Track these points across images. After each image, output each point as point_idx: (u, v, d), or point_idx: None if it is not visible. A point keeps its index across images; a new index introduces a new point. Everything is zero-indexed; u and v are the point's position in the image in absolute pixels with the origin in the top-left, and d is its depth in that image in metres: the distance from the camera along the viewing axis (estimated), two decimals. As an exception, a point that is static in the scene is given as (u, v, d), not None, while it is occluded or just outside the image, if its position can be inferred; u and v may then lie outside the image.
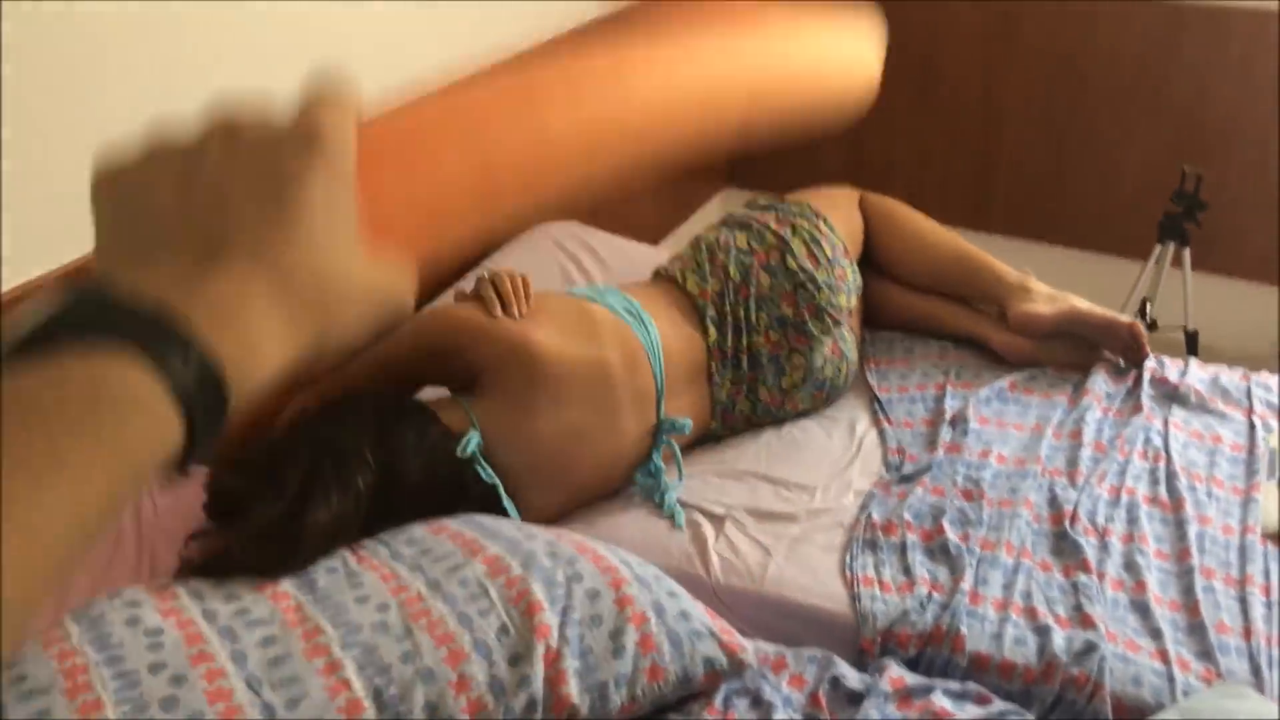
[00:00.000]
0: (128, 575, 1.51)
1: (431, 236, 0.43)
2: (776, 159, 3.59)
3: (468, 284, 2.05)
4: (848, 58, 0.62)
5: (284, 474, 1.55)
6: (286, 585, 1.43)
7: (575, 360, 1.79)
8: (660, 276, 2.14)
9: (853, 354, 2.12)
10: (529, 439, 1.75)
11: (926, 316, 2.30)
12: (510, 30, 2.43)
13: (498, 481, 1.71)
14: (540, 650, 1.34)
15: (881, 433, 2.04)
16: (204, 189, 0.39)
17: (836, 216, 2.20)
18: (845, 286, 2.10)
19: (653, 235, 3.24)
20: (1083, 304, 2.19)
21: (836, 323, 2.06)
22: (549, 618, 1.38)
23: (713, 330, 2.00)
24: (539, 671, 1.33)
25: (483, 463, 1.71)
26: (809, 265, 2.04)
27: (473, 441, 1.70)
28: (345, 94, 0.42)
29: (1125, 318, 2.19)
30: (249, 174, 0.39)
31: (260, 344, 0.38)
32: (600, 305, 1.92)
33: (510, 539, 1.52)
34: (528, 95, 0.47)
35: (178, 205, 0.39)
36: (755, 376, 2.02)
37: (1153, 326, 2.97)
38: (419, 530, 1.56)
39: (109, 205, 0.41)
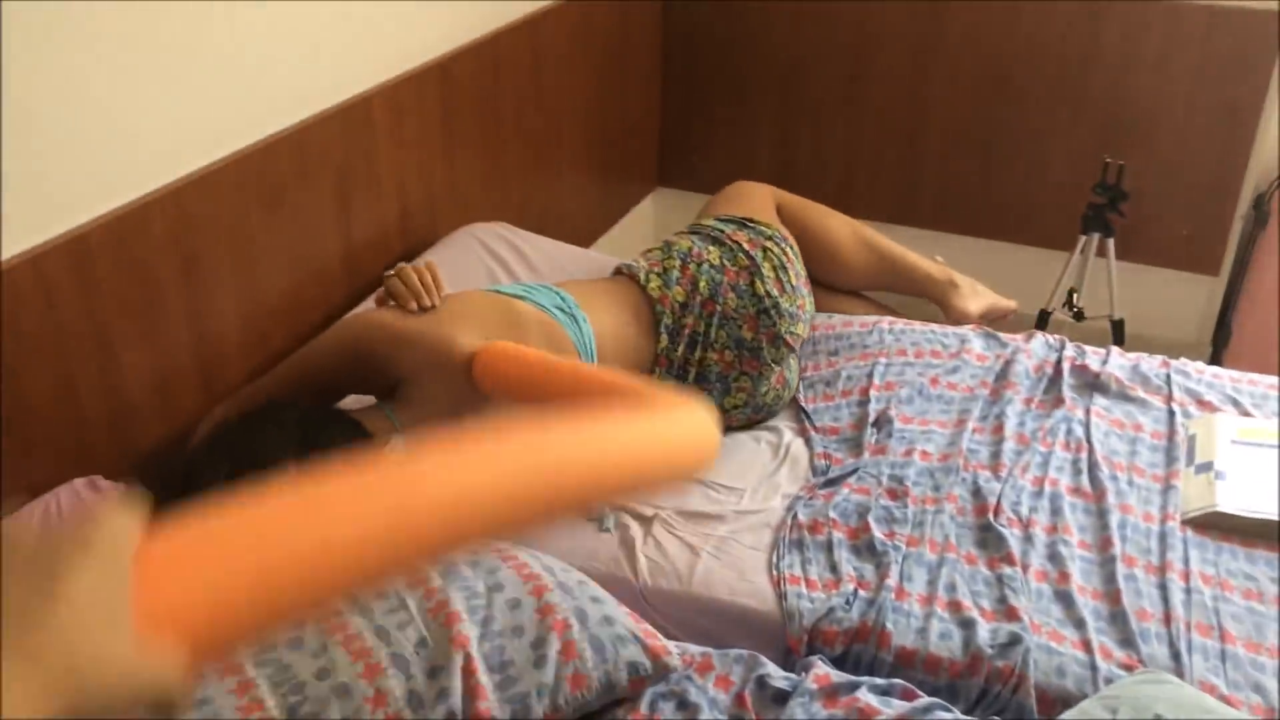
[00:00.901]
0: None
1: (209, 632, 0.49)
2: (708, 158, 3.60)
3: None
4: (682, 443, 0.72)
5: (201, 487, 1.52)
6: (199, 604, 1.40)
7: None
8: (621, 273, 2.11)
9: (795, 381, 2.12)
10: None
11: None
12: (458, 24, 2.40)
13: None
14: (459, 662, 1.33)
15: (808, 440, 2.04)
16: None
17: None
18: (804, 316, 2.10)
19: (584, 237, 3.22)
20: (996, 298, 2.44)
21: (791, 350, 2.06)
22: (468, 629, 1.36)
23: (664, 337, 1.97)
24: (457, 684, 1.31)
25: None
26: (775, 291, 2.03)
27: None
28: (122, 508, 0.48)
29: (1012, 304, 2.51)
30: (20, 568, 0.44)
31: None
32: (527, 302, 1.89)
33: (430, 549, 1.50)
34: (311, 509, 0.53)
35: None
36: (700, 391, 2.00)
37: (1080, 316, 3.01)
38: (338, 543, 1.53)
39: None
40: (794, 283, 2.08)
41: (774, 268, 2.06)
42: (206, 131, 1.86)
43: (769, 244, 2.10)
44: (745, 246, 2.08)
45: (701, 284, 2.01)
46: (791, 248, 2.15)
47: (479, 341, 1.74)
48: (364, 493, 0.55)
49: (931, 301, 2.41)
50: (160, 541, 0.49)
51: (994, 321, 2.45)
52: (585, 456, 0.64)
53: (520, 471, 0.61)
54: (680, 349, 1.97)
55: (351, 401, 1.86)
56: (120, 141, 1.71)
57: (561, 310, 1.90)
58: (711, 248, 2.08)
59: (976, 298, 2.41)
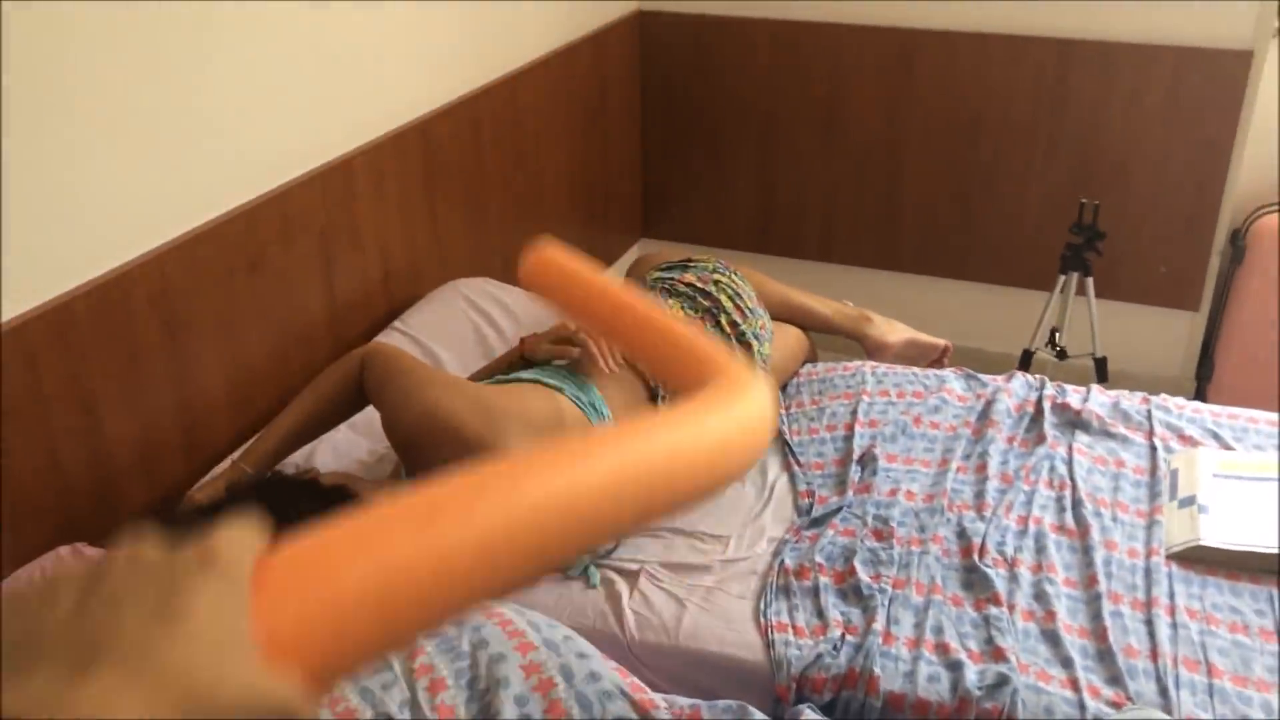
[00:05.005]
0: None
1: (331, 654, 0.46)
2: (691, 209, 3.63)
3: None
4: (740, 436, 0.65)
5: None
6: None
7: None
8: None
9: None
10: None
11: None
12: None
13: None
14: (445, 721, 1.32)
15: (792, 476, 2.04)
16: (98, 603, 0.42)
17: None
18: (766, 335, 2.12)
19: (569, 289, 3.24)
20: (917, 333, 2.53)
21: (765, 372, 2.07)
22: (452, 695, 1.36)
23: (663, 410, 1.95)
24: (443, 743, 1.30)
25: None
26: (739, 319, 2.06)
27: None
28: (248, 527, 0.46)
29: (941, 341, 2.54)
30: (143, 587, 0.42)
31: None
32: (566, 398, 1.88)
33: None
34: (424, 513, 0.50)
35: (69, 618, 0.41)
36: None
37: (1063, 355, 3.03)
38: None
39: (9, 621, 0.42)
40: (750, 305, 2.11)
41: (729, 297, 2.09)
42: (188, 197, 1.89)
43: (717, 275, 2.13)
44: (699, 285, 2.11)
45: None
46: (735, 272, 2.18)
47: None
48: (472, 493, 0.52)
49: (847, 337, 2.51)
50: (277, 559, 0.47)
51: (935, 361, 2.52)
52: (672, 460, 0.60)
53: (623, 470, 0.57)
54: None
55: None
56: (102, 210, 1.73)
57: (593, 408, 1.90)
58: (670, 300, 2.10)
59: (894, 331, 2.51)
